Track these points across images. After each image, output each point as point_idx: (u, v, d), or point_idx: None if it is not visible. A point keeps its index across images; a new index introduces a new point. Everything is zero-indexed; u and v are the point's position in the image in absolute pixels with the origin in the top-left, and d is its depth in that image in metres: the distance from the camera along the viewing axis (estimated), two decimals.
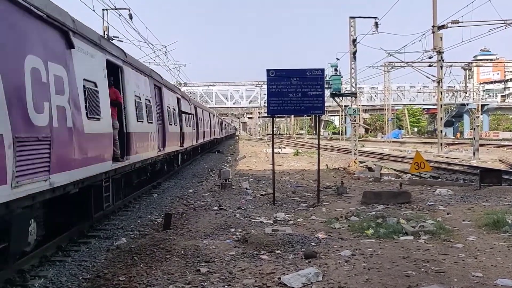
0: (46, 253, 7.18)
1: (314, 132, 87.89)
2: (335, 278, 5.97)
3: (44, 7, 6.18)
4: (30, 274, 6.39)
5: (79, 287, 5.91)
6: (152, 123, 12.85)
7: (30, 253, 6.49)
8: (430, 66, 36.91)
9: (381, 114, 78.09)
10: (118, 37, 23.36)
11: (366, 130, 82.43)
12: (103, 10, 22.83)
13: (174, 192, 14.82)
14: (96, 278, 6.24)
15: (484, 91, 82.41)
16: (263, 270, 6.43)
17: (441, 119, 33.16)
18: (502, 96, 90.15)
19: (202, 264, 6.78)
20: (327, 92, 23.96)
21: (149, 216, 10.81)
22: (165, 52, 33.67)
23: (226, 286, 5.80)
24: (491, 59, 76.00)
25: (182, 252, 7.37)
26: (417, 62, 36.18)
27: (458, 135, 71.33)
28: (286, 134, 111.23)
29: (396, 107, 79.02)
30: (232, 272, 6.35)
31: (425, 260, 6.72)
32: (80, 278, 6.34)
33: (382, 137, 66.50)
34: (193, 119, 23.43)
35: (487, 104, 77.18)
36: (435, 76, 33.61)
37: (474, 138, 27.45)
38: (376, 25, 25.55)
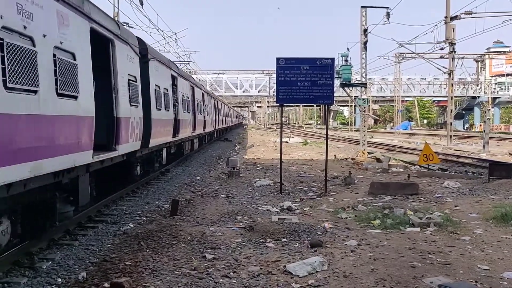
0: (54, 236, 7.25)
1: (323, 122, 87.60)
2: (341, 268, 5.98)
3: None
4: (38, 256, 6.47)
5: (86, 271, 5.97)
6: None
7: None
8: (441, 57, 36.53)
9: (391, 105, 77.54)
10: (128, 23, 23.34)
11: (375, 121, 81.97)
12: None
13: (182, 179, 14.87)
14: (103, 262, 6.30)
15: (496, 84, 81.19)
16: (268, 258, 6.46)
17: (451, 111, 32.87)
18: None
19: (208, 250, 6.82)
20: (337, 82, 23.86)
21: (157, 202, 10.87)
22: (175, 39, 33.60)
23: (232, 273, 5.83)
24: (504, 52, 74.78)
25: (189, 238, 7.41)
26: (429, 53, 35.79)
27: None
28: (295, 123, 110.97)
29: (406, 99, 78.35)
30: (237, 259, 6.39)
31: (431, 251, 6.71)
32: (87, 261, 6.41)
33: (391, 128, 66.11)
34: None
35: (499, 97, 76.20)
36: (446, 68, 33.26)
37: (485, 131, 27.19)
38: (387, 15, 25.25)
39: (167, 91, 14.20)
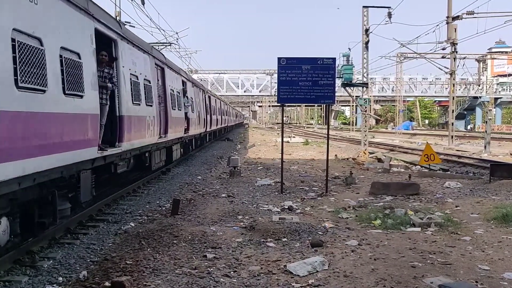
0: (55, 235, 7.27)
1: (324, 122, 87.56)
2: (341, 267, 5.99)
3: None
4: (39, 255, 6.49)
5: (87, 270, 5.98)
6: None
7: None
8: (443, 57, 36.50)
9: (392, 105, 77.45)
10: (130, 23, 23.34)
11: (377, 121, 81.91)
12: None
13: (183, 178, 14.89)
14: (104, 261, 6.32)
15: (497, 84, 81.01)
16: (269, 257, 6.47)
17: (453, 111, 32.86)
18: None
19: (208, 250, 6.83)
20: (338, 82, 23.83)
21: (158, 202, 10.89)
22: (177, 39, 33.58)
23: (232, 272, 5.84)
24: (506, 52, 74.60)
25: (189, 237, 7.42)
26: (430, 53, 35.79)
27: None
28: (296, 123, 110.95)
29: (408, 99, 78.31)
30: (238, 259, 6.40)
31: (432, 251, 6.71)
32: (88, 260, 6.42)
33: (393, 128, 65.99)
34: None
35: (501, 98, 76.05)
36: (448, 68, 33.24)
37: (486, 131, 27.16)
38: (389, 15, 25.18)
39: (79, 59, 7.30)
